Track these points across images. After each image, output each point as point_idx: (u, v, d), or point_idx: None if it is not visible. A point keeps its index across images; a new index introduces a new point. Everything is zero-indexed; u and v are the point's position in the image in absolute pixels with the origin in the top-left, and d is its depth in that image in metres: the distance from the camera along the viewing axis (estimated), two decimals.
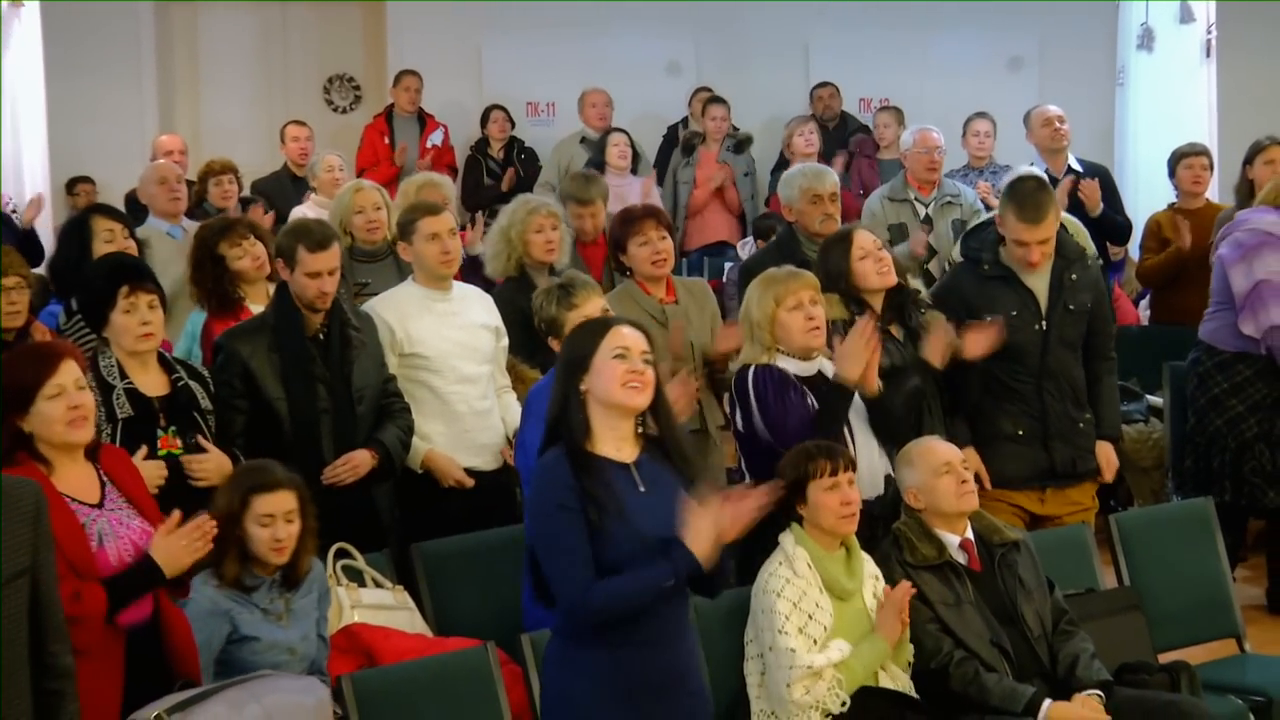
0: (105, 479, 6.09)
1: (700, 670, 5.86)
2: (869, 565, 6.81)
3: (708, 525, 5.40)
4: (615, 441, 5.60)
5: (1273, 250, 9.57)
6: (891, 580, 6.85)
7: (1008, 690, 6.68)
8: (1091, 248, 10.39)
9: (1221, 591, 8.10)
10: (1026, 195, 8.35)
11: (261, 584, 6.38)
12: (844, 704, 6.47)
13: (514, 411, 8.07)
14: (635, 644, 5.54)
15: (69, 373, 5.88)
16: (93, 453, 6.09)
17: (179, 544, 5.92)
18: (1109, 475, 8.43)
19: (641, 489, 5.56)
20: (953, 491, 6.93)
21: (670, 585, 5.45)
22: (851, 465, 6.72)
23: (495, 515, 7.72)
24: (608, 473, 5.52)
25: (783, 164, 14.91)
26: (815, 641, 6.52)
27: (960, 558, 6.96)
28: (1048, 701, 6.64)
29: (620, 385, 5.49)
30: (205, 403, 7.27)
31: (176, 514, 5.97)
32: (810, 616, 6.53)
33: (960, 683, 6.72)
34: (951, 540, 6.96)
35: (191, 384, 7.27)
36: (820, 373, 7.31)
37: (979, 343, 7.86)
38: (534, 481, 5.65)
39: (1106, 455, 8.38)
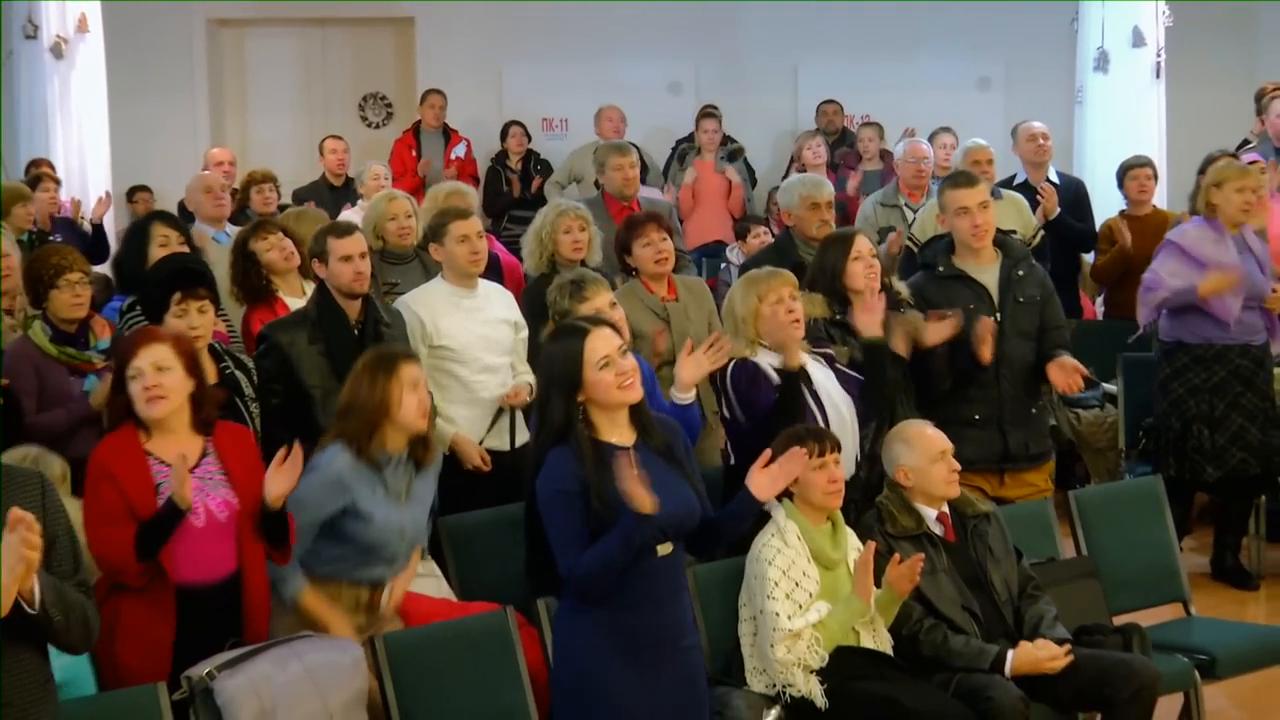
0: (210, 450, 6.14)
1: (694, 628, 5.87)
2: (852, 538, 6.84)
3: (635, 488, 5.38)
4: (614, 429, 5.67)
5: (1172, 255, 9.70)
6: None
7: (975, 650, 6.72)
8: (1031, 222, 10.77)
9: (1170, 560, 8.11)
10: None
11: (391, 461, 6.43)
12: (823, 660, 6.49)
13: None
14: (633, 605, 5.60)
15: (146, 357, 6.00)
16: (205, 427, 6.16)
17: (176, 476, 5.87)
18: (1077, 383, 8.38)
19: (637, 471, 5.54)
20: (944, 478, 6.99)
21: (634, 537, 5.46)
22: (837, 448, 6.72)
23: (514, 491, 7.72)
24: (607, 454, 5.57)
25: (788, 172, 15.01)
26: (800, 606, 6.54)
27: (936, 529, 6.99)
28: (1011, 651, 6.68)
29: (617, 389, 5.58)
30: (249, 390, 7.29)
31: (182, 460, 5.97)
32: (797, 584, 6.55)
33: (930, 648, 6.75)
34: (929, 513, 6.99)
35: (237, 373, 7.30)
36: (804, 367, 7.33)
37: (939, 331, 7.90)
38: (542, 473, 5.64)
39: (1062, 362, 8.34)
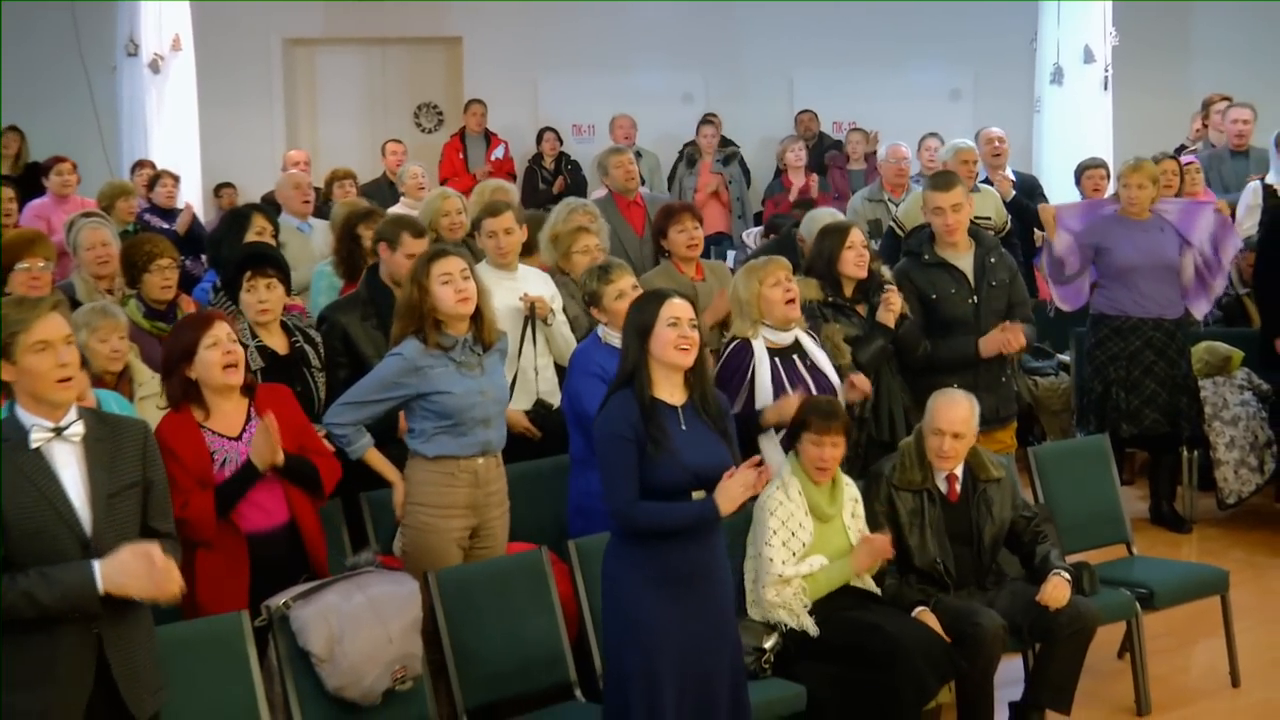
0: (253, 415, 6.12)
1: (726, 563, 5.84)
2: (850, 490, 6.81)
3: (737, 491, 5.49)
4: (669, 388, 5.68)
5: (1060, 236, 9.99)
6: (870, 497, 6.93)
7: (899, 592, 6.79)
8: (1003, 214, 10.93)
9: (1114, 507, 8.12)
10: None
11: (456, 343, 6.45)
12: (807, 606, 6.51)
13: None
14: (674, 541, 5.58)
15: (222, 329, 6.03)
16: (249, 391, 6.17)
17: (258, 440, 5.97)
18: (1009, 342, 8.34)
19: (684, 427, 5.64)
20: (934, 448, 6.92)
21: (693, 525, 5.56)
22: (844, 431, 6.72)
23: (547, 446, 7.71)
24: (662, 413, 5.61)
25: (778, 172, 15.31)
26: (794, 554, 6.56)
27: (942, 487, 6.96)
28: (921, 608, 6.70)
29: (673, 349, 5.60)
30: (315, 361, 7.28)
31: (269, 417, 6.01)
32: (793, 534, 6.57)
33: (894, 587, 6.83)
34: (939, 474, 6.95)
35: (306, 347, 7.29)
36: (796, 340, 7.33)
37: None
38: (603, 413, 5.68)
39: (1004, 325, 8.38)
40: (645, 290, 6.32)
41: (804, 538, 6.59)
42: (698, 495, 5.58)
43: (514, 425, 7.55)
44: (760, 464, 5.54)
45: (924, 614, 6.67)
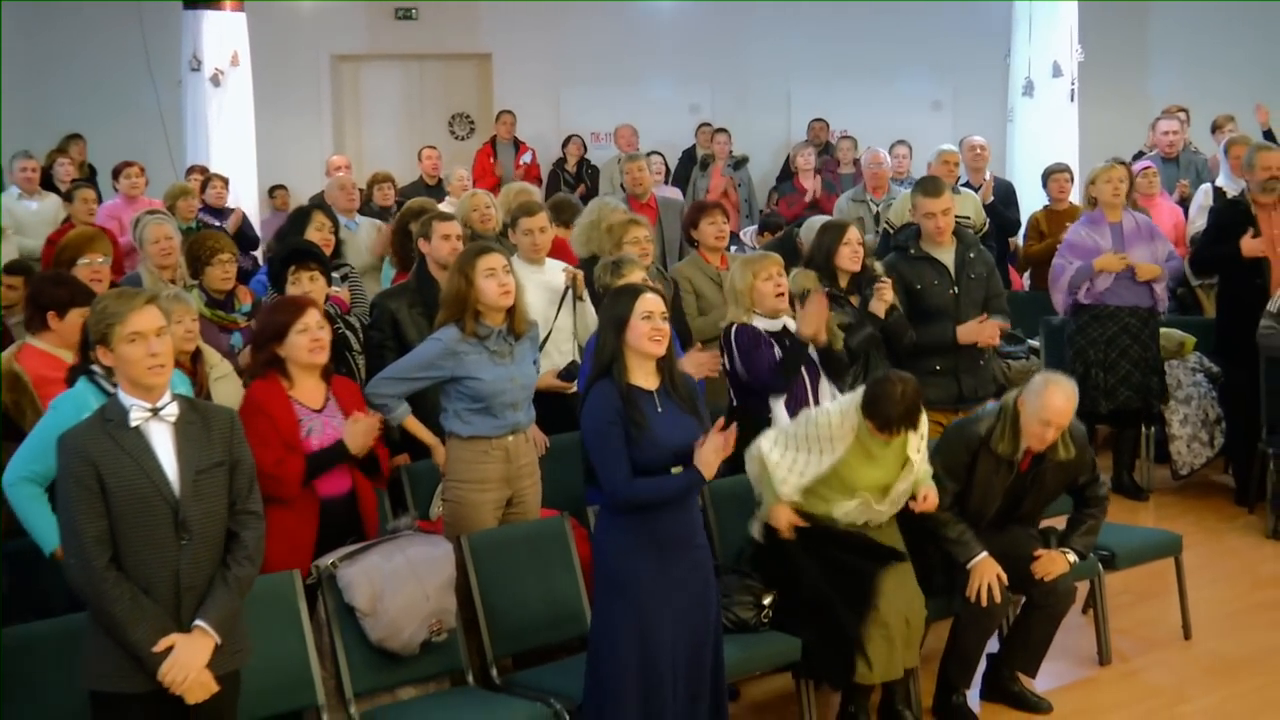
0: (330, 396, 6.21)
1: (703, 530, 5.82)
2: (918, 445, 6.52)
3: (712, 456, 5.47)
4: (644, 375, 5.62)
5: (1066, 251, 9.90)
6: (953, 447, 6.82)
7: (962, 539, 6.67)
8: (982, 215, 10.95)
9: None
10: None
11: (491, 333, 6.45)
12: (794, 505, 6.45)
13: None
14: (658, 512, 5.56)
15: (313, 316, 6.13)
16: (326, 375, 6.24)
17: (359, 430, 6.05)
18: (984, 336, 8.39)
19: (660, 410, 5.59)
20: (1034, 433, 6.64)
21: (684, 494, 5.59)
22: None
23: (569, 423, 7.69)
24: (639, 397, 5.56)
25: (786, 175, 15.29)
26: (805, 470, 6.41)
27: (1018, 458, 6.76)
28: (977, 557, 6.64)
29: (648, 340, 5.54)
30: (356, 345, 7.29)
31: (358, 413, 6.11)
32: (820, 455, 6.42)
33: (942, 526, 6.67)
34: (1022, 446, 6.74)
35: (347, 332, 7.30)
36: (785, 328, 7.31)
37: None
38: (587, 406, 5.62)
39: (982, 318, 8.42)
40: (618, 286, 6.29)
41: (826, 462, 6.40)
42: (675, 470, 5.55)
43: (544, 385, 7.53)
44: (725, 428, 5.55)
45: (987, 560, 6.64)
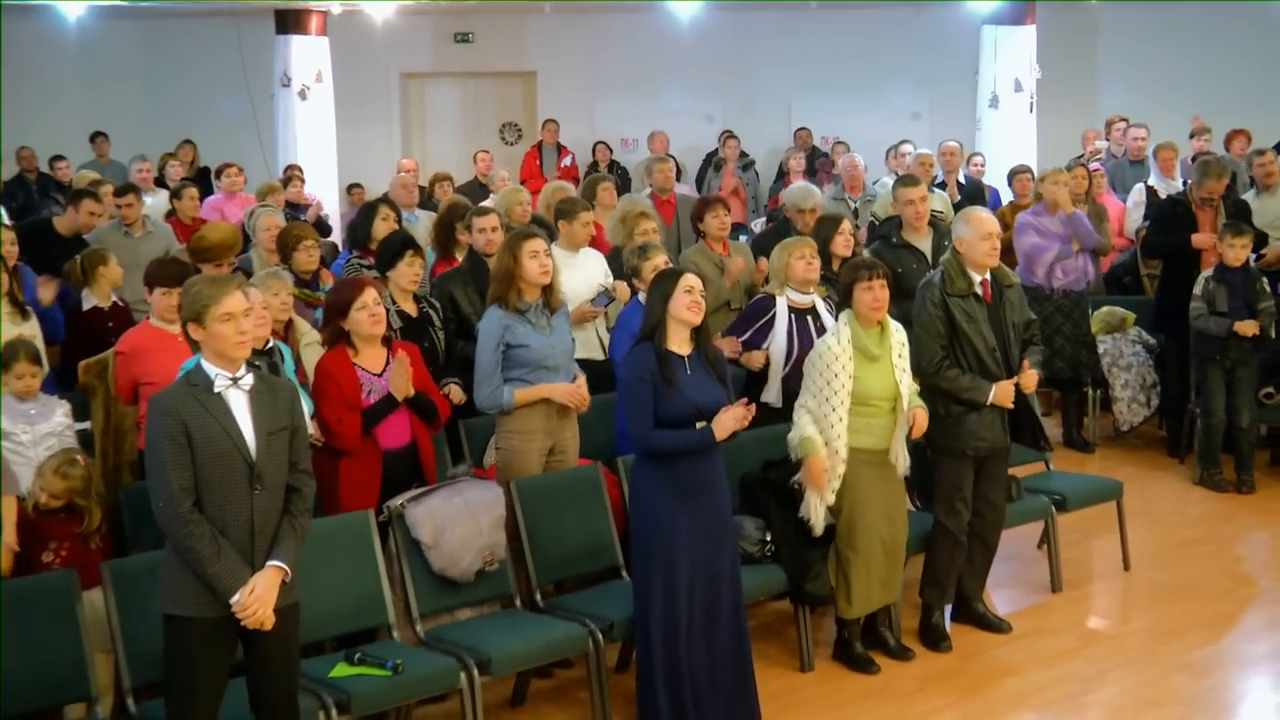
0: (390, 361, 6.18)
1: (724, 476, 5.83)
2: (899, 335, 6.44)
3: (729, 422, 5.55)
4: (679, 342, 5.69)
5: (1028, 232, 9.96)
6: (923, 305, 6.63)
7: (973, 384, 6.53)
8: (951, 210, 10.81)
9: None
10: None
11: (530, 307, 6.43)
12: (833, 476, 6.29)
13: None
14: (683, 461, 5.62)
15: (371, 295, 6.13)
16: (387, 342, 6.24)
17: (398, 375, 6.06)
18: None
19: (689, 372, 5.65)
20: (987, 252, 6.55)
21: (697, 449, 5.61)
22: (886, 278, 6.40)
23: (601, 387, 7.67)
24: (673, 361, 5.64)
25: (780, 175, 15.21)
26: (835, 392, 6.24)
27: (979, 290, 6.62)
28: (995, 387, 6.53)
29: (687, 310, 5.64)
30: (437, 321, 7.27)
31: (403, 355, 6.14)
32: (835, 375, 6.24)
33: (946, 381, 6.54)
34: (976, 278, 6.61)
35: (430, 311, 7.28)
36: (814, 305, 7.23)
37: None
38: (626, 362, 5.74)
39: None
40: (666, 268, 6.28)
41: (845, 380, 6.24)
42: (700, 425, 5.59)
43: (579, 316, 7.56)
44: (749, 404, 5.56)
45: (1003, 385, 6.55)
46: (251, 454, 4.58)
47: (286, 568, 4.63)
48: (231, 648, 4.66)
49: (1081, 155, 13.72)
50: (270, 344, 6.31)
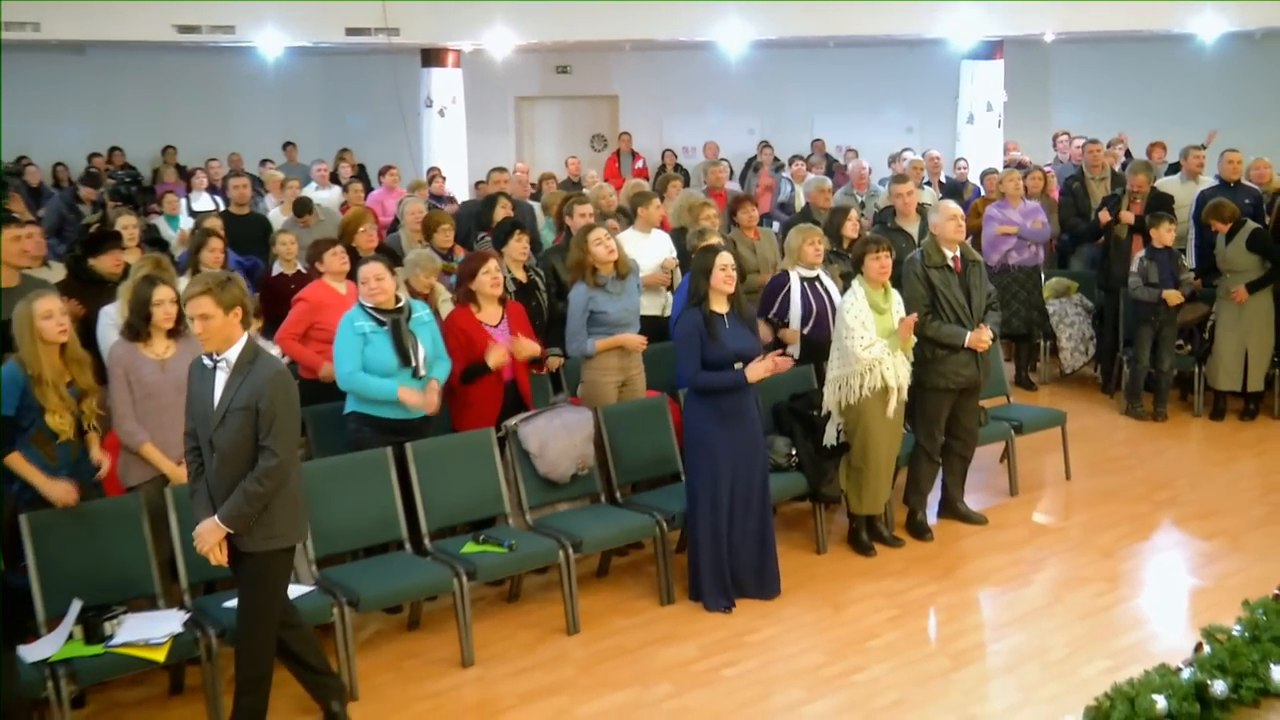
0: (505, 316, 6.15)
1: (756, 406, 5.78)
2: (896, 295, 6.37)
3: (760, 369, 5.54)
4: (719, 303, 5.65)
5: (994, 221, 9.67)
6: (908, 278, 6.53)
7: (955, 332, 6.46)
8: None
9: (1000, 376, 7.85)
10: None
11: (607, 280, 6.41)
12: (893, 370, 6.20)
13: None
14: (724, 395, 5.60)
15: (492, 264, 6.09)
16: (502, 302, 6.19)
17: (495, 354, 5.95)
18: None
19: (728, 326, 5.61)
20: (953, 230, 6.48)
21: (733, 387, 5.56)
22: (889, 250, 6.30)
23: (664, 338, 7.62)
24: (715, 319, 5.60)
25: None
26: (870, 331, 6.18)
27: (951, 264, 6.55)
28: (969, 334, 6.46)
29: (723, 281, 5.59)
30: (542, 287, 7.25)
31: (498, 345, 6.01)
32: (864, 323, 6.19)
33: (931, 330, 6.46)
34: (949, 254, 6.54)
35: (536, 278, 7.25)
36: (818, 275, 7.11)
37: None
38: (680, 322, 5.68)
39: None
40: (705, 246, 6.14)
41: (871, 326, 6.19)
42: (739, 365, 5.56)
43: (649, 280, 7.44)
44: (782, 353, 5.52)
45: (980, 331, 6.45)
46: (212, 422, 4.32)
47: (219, 523, 4.31)
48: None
49: (1021, 163, 13.43)
50: (401, 302, 5.92)
